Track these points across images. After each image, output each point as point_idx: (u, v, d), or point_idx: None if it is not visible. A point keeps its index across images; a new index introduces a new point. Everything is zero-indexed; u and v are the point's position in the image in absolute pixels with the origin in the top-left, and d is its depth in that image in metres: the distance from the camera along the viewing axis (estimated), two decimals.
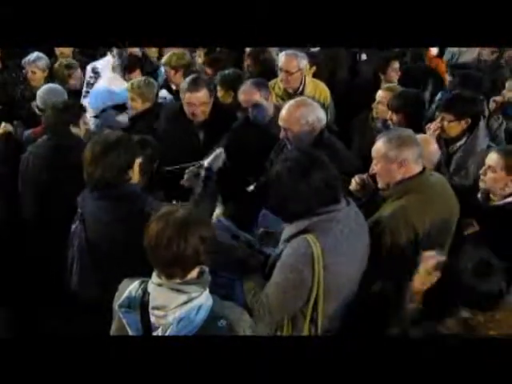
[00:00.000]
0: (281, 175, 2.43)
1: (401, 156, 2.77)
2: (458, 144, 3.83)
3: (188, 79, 4.17)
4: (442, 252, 2.55)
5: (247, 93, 4.09)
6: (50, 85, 4.90)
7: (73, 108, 3.82)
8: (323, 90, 4.92)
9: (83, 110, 3.90)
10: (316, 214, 2.39)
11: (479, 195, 3.23)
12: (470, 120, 3.79)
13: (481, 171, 3.16)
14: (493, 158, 3.09)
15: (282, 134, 3.48)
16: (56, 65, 5.61)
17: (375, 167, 2.88)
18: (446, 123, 3.79)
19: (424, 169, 2.88)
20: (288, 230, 2.47)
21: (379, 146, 2.85)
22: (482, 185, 3.17)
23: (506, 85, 4.91)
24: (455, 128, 3.80)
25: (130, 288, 2.08)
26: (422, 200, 2.76)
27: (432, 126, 3.78)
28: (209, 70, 5.65)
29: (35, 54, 5.69)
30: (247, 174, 3.63)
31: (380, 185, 2.91)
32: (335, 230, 2.38)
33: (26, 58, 5.69)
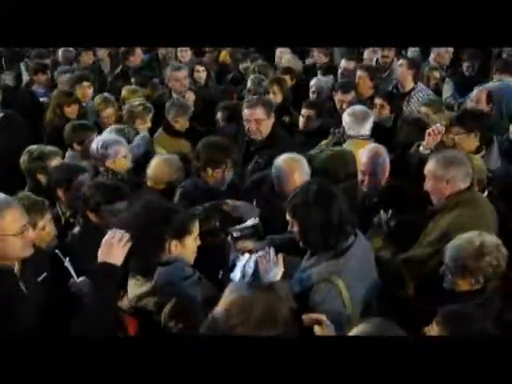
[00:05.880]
0: (298, 207, 2.49)
1: (448, 175, 2.99)
2: None
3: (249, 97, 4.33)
4: None
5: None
6: None
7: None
8: None
9: None
10: (335, 255, 2.45)
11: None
12: (479, 133, 3.79)
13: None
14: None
15: None
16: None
17: (427, 185, 3.08)
18: (456, 137, 3.79)
19: (472, 184, 3.04)
20: (313, 274, 2.48)
21: (430, 165, 3.07)
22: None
23: None
24: (467, 141, 3.80)
25: None
26: (473, 213, 2.93)
27: (431, 132, 3.74)
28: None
29: None
30: None
31: (433, 201, 3.09)
32: (353, 266, 2.46)
33: None
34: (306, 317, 2.26)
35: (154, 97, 5.53)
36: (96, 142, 3.83)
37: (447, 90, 5.67)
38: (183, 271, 2.40)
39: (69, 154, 4.23)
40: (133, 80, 6.08)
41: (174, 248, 2.40)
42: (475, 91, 4.82)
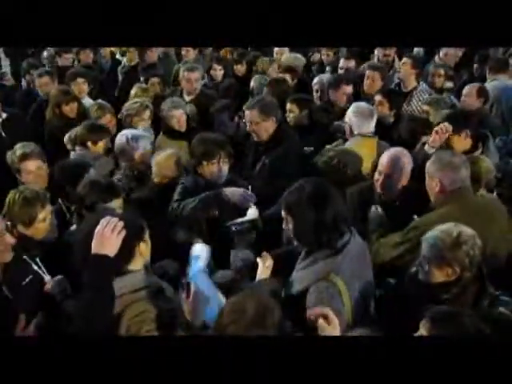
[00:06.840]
0: (293, 205, 2.49)
1: (438, 176, 3.08)
2: None
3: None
4: None
5: None
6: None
7: None
8: None
9: None
10: (332, 253, 2.45)
11: None
12: (469, 132, 3.78)
13: None
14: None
15: None
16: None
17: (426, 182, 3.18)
18: (449, 137, 3.78)
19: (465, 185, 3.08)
20: (310, 273, 2.48)
21: (428, 163, 3.18)
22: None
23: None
24: (456, 141, 3.79)
25: None
26: (460, 211, 2.94)
27: (439, 130, 3.71)
28: None
29: None
30: None
31: (431, 199, 3.16)
32: (350, 264, 2.47)
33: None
34: (310, 312, 2.21)
35: (164, 95, 5.49)
36: (125, 136, 3.94)
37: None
38: (133, 284, 2.31)
39: (78, 151, 4.16)
40: (142, 78, 6.09)
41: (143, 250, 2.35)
42: (466, 87, 4.81)
